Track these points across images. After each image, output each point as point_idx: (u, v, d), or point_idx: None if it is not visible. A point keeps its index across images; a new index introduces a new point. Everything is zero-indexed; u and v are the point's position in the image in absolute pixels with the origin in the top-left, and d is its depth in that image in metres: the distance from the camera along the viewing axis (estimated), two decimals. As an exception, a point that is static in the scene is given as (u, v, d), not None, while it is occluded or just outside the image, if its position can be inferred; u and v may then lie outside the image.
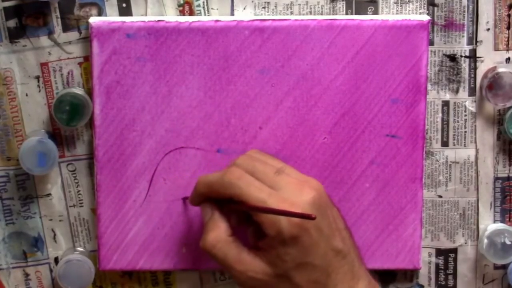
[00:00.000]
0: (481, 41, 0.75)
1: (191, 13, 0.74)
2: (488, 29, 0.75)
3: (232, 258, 0.65)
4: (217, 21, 0.72)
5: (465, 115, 0.76)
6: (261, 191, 0.64)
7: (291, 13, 0.74)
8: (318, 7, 0.74)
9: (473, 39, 0.75)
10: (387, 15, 0.74)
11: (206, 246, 0.66)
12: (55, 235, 0.76)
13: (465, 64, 0.75)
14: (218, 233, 0.66)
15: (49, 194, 0.76)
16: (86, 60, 0.74)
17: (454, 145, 0.76)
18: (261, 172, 0.66)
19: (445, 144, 0.76)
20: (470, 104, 0.76)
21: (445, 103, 0.76)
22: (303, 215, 0.61)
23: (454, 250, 0.77)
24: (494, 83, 0.74)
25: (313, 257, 0.64)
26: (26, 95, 0.74)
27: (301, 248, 0.63)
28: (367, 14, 0.74)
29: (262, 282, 0.65)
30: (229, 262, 0.66)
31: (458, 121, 0.76)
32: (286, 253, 0.64)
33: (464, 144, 0.76)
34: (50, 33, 0.73)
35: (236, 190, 0.65)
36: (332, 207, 0.67)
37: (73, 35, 0.73)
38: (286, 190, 0.64)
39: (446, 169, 0.76)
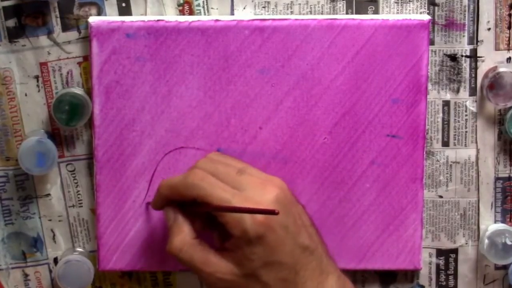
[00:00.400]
0: (482, 41, 0.75)
1: (191, 12, 0.74)
2: (489, 29, 0.75)
3: (199, 261, 0.65)
4: (217, 20, 0.72)
5: (466, 115, 0.76)
6: (224, 191, 0.64)
7: (291, 12, 0.74)
8: (318, 7, 0.74)
9: (473, 39, 0.75)
10: (388, 14, 0.74)
11: (172, 251, 0.66)
12: (54, 235, 0.76)
13: (465, 64, 0.75)
14: (183, 236, 0.66)
15: (48, 194, 0.75)
16: (86, 60, 0.73)
17: (454, 145, 0.76)
18: (223, 173, 0.66)
19: (445, 144, 0.76)
20: (470, 104, 0.76)
21: (446, 103, 0.76)
22: (266, 210, 0.62)
23: (455, 251, 0.77)
24: (495, 83, 0.74)
25: (280, 255, 0.64)
26: (25, 95, 0.74)
27: (267, 247, 0.63)
28: (367, 13, 0.74)
29: (230, 283, 0.65)
30: (196, 265, 0.66)
31: (458, 121, 0.76)
32: (252, 252, 0.64)
33: (465, 144, 0.76)
34: (49, 33, 0.73)
35: (200, 191, 0.65)
36: (296, 204, 0.67)
37: (73, 34, 0.73)
38: (249, 190, 0.64)
39: (447, 169, 0.76)
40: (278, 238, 0.63)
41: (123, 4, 0.73)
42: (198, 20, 0.72)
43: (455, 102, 0.76)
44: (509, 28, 0.75)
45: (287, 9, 0.74)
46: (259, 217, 0.63)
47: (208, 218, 0.67)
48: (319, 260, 0.66)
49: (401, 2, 0.74)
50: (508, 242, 0.75)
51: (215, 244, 0.67)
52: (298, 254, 0.64)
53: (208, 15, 0.74)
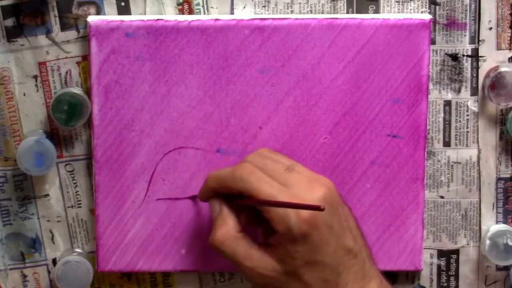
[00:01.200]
0: (483, 40, 0.75)
1: (191, 12, 0.74)
2: (491, 28, 0.75)
3: (241, 255, 0.65)
4: (216, 20, 0.72)
5: (467, 115, 0.76)
6: (272, 187, 0.64)
7: (292, 12, 0.74)
8: (319, 6, 0.74)
9: (475, 38, 0.75)
10: (389, 14, 0.74)
11: (214, 243, 0.66)
12: (53, 236, 0.76)
13: (467, 64, 0.75)
14: (227, 229, 0.66)
15: (47, 195, 0.75)
16: (85, 60, 0.73)
17: (456, 145, 0.76)
18: (272, 169, 0.66)
19: (447, 144, 0.76)
20: (472, 104, 0.76)
21: (447, 103, 0.75)
22: (312, 206, 0.61)
23: (456, 251, 0.77)
24: (496, 82, 0.73)
25: (323, 255, 0.63)
26: (24, 94, 0.74)
27: (311, 245, 0.63)
28: (368, 13, 0.74)
29: (271, 279, 0.65)
30: (238, 259, 0.65)
31: (460, 121, 0.76)
32: (295, 250, 0.63)
33: (466, 144, 0.76)
34: (48, 32, 0.73)
35: (247, 185, 0.64)
36: (343, 205, 0.66)
37: (71, 34, 0.73)
38: (297, 188, 0.64)
39: (448, 169, 0.76)
40: (322, 238, 0.63)
41: (122, 3, 0.73)
42: (198, 20, 0.72)
43: (457, 102, 0.75)
44: (510, 27, 0.75)
45: (287, 9, 0.74)
46: (305, 215, 0.62)
47: (254, 212, 0.67)
48: (362, 264, 0.65)
49: (402, 2, 0.74)
50: (510, 243, 0.75)
51: (258, 239, 0.67)
52: (341, 255, 0.64)
53: (207, 14, 0.74)
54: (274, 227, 0.64)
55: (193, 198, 0.74)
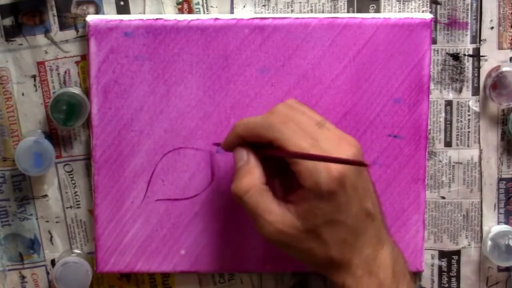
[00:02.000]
0: (485, 40, 0.74)
1: (190, 11, 0.73)
2: (492, 28, 0.74)
3: (262, 207, 0.64)
4: (216, 19, 0.72)
5: (469, 115, 0.75)
6: (303, 139, 0.63)
7: (292, 11, 0.74)
8: (319, 5, 0.74)
9: (476, 38, 0.75)
10: (389, 13, 0.74)
11: (238, 191, 0.65)
12: (51, 237, 0.76)
13: (468, 63, 0.75)
14: (253, 179, 0.65)
15: (45, 195, 0.75)
16: (84, 59, 0.73)
17: (457, 145, 0.76)
18: (303, 122, 0.65)
19: (448, 144, 0.76)
20: (473, 104, 0.75)
21: (448, 103, 0.75)
22: (355, 162, 0.60)
23: (458, 252, 0.77)
24: (498, 82, 0.73)
25: (345, 216, 0.63)
26: (22, 94, 0.74)
27: (335, 204, 0.63)
28: (369, 12, 0.74)
29: (289, 236, 0.64)
30: (259, 211, 0.64)
31: (461, 121, 0.76)
32: (319, 207, 0.63)
33: (468, 145, 0.76)
34: (46, 32, 0.73)
35: (279, 134, 0.63)
36: (365, 168, 0.66)
37: (70, 33, 0.73)
38: (327, 144, 0.63)
39: (449, 169, 0.76)
40: (347, 198, 0.63)
41: (121, 3, 0.73)
42: (197, 19, 0.72)
43: (458, 102, 0.75)
44: (512, 27, 0.75)
45: (288, 8, 0.74)
46: (334, 172, 0.61)
47: (277, 166, 0.66)
48: (378, 228, 0.65)
49: (403, 1, 0.74)
50: (511, 244, 0.75)
51: (277, 193, 0.66)
52: (361, 218, 0.64)
53: (207, 13, 0.74)
54: (302, 181, 0.63)
55: (217, 145, 0.72)
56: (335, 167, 0.62)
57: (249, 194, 0.64)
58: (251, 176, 0.65)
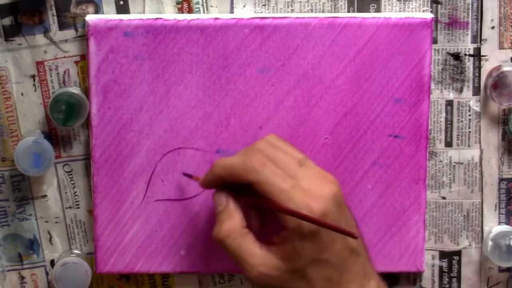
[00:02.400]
0: (486, 39, 0.74)
1: (190, 10, 0.73)
2: (493, 27, 0.74)
3: (245, 251, 0.64)
4: (216, 19, 0.72)
5: (469, 115, 0.75)
6: (284, 181, 0.63)
7: (292, 10, 0.74)
8: (320, 5, 0.74)
9: (477, 37, 0.74)
10: (390, 13, 0.74)
11: (219, 237, 0.65)
12: (51, 237, 0.76)
13: (469, 63, 0.75)
14: (233, 223, 0.65)
15: (45, 196, 0.75)
16: (83, 59, 0.73)
17: (458, 145, 0.76)
18: (284, 161, 0.65)
19: (448, 144, 0.76)
20: (474, 104, 0.75)
21: (449, 103, 0.75)
22: (347, 232, 0.61)
23: (458, 253, 0.77)
24: (499, 82, 0.73)
25: (329, 254, 0.63)
26: (22, 94, 0.74)
27: (318, 244, 0.63)
28: (369, 12, 0.74)
29: (274, 278, 0.64)
30: (241, 255, 0.64)
31: (462, 121, 0.75)
32: (303, 247, 0.63)
33: (468, 145, 0.76)
34: (46, 31, 0.73)
35: (259, 176, 0.63)
36: (345, 204, 0.66)
37: (70, 33, 0.73)
38: (308, 182, 0.63)
39: (450, 170, 0.76)
40: (330, 237, 0.63)
41: (121, 2, 0.73)
42: (197, 19, 0.72)
43: (459, 102, 0.75)
44: (513, 26, 0.75)
45: (288, 7, 0.74)
46: (316, 211, 0.61)
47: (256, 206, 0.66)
48: (363, 263, 0.65)
49: (404, 0, 0.74)
50: (512, 244, 0.75)
51: (253, 227, 0.66)
52: (346, 255, 0.64)
53: (207, 13, 0.73)
54: (284, 223, 0.63)
55: (188, 176, 0.72)
56: (317, 206, 0.62)
57: (230, 239, 0.65)
58: (232, 221, 0.65)
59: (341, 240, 0.63)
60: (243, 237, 0.65)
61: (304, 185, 0.63)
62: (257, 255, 0.64)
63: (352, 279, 0.64)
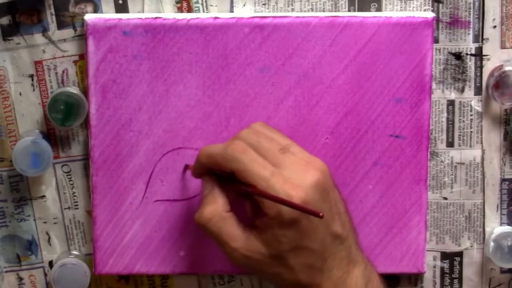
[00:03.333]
0: (488, 39, 0.74)
1: (189, 10, 0.73)
2: (495, 27, 0.74)
3: (226, 234, 0.65)
4: (216, 18, 0.72)
5: (471, 115, 0.75)
6: (264, 168, 0.63)
7: (292, 10, 0.74)
8: (320, 4, 0.74)
9: (479, 37, 0.74)
10: (391, 12, 0.74)
11: (201, 220, 0.66)
12: (49, 238, 0.75)
13: (471, 63, 0.74)
14: (215, 207, 0.66)
15: (43, 196, 0.75)
16: (82, 58, 0.73)
17: (459, 145, 0.75)
18: (266, 148, 0.65)
19: (450, 144, 0.75)
20: (476, 104, 0.75)
21: (450, 103, 0.75)
22: (311, 211, 0.60)
23: (460, 254, 0.77)
24: (500, 82, 0.73)
25: (310, 241, 0.63)
26: (20, 94, 0.73)
27: (299, 231, 0.63)
28: (370, 11, 0.74)
29: (255, 261, 0.65)
30: (223, 238, 0.65)
31: (463, 121, 0.75)
32: (283, 234, 0.63)
33: (470, 145, 0.75)
34: (44, 31, 0.73)
35: (239, 164, 0.64)
36: (334, 189, 0.66)
37: (68, 32, 0.73)
38: (290, 170, 0.63)
39: (451, 170, 0.76)
40: (312, 224, 0.63)
41: (120, 1, 0.73)
42: (197, 18, 0.72)
43: (460, 102, 0.75)
44: (515, 25, 0.75)
45: (288, 6, 0.74)
46: (296, 200, 0.62)
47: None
48: (348, 250, 0.65)
49: (405, -1, 0.74)
50: (514, 245, 0.75)
51: (247, 214, 0.66)
52: (328, 241, 0.64)
53: (207, 12, 0.73)
54: (264, 210, 0.63)
55: (186, 168, 0.73)
56: (297, 194, 0.62)
57: (211, 222, 0.65)
58: (214, 205, 0.66)
59: (324, 227, 0.63)
60: (225, 220, 0.65)
61: (286, 173, 0.63)
62: (239, 238, 0.65)
63: (336, 266, 0.64)
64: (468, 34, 0.74)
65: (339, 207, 0.66)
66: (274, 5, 0.73)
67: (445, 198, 0.76)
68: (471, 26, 0.74)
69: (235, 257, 0.65)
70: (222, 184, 0.67)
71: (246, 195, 0.67)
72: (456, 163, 0.76)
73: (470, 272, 0.77)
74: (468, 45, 0.74)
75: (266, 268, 0.65)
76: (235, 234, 0.65)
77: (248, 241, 0.64)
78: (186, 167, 0.73)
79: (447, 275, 0.77)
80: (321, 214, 0.60)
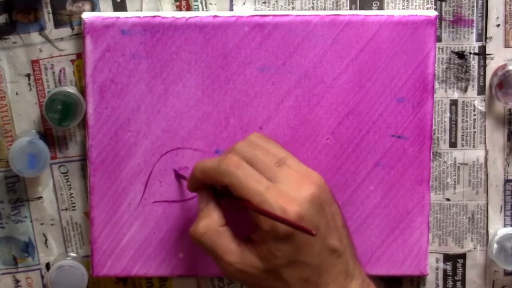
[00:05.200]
0: (491, 38, 0.74)
1: (188, 8, 0.73)
2: (498, 25, 0.74)
3: (221, 248, 0.65)
4: (215, 16, 0.72)
5: (474, 115, 0.75)
6: (258, 183, 0.63)
7: (293, 8, 0.74)
8: (321, 2, 0.74)
9: (482, 36, 0.74)
10: (393, 10, 0.73)
11: (195, 234, 0.66)
12: (46, 239, 0.75)
13: (474, 62, 0.74)
14: (210, 221, 0.66)
15: (40, 197, 0.75)
16: (79, 58, 0.73)
17: (462, 146, 0.75)
18: (261, 161, 0.65)
19: (453, 145, 0.75)
20: (479, 103, 0.75)
21: (453, 102, 0.75)
22: (303, 228, 0.60)
23: (463, 256, 0.77)
24: (504, 81, 0.73)
25: (306, 256, 0.63)
26: (16, 94, 0.73)
27: (294, 246, 0.63)
28: (372, 9, 0.74)
29: (250, 275, 0.64)
30: (217, 252, 0.65)
31: (466, 121, 0.75)
32: (278, 249, 0.63)
33: (473, 145, 0.75)
34: (41, 29, 0.72)
35: (233, 179, 0.63)
36: (332, 203, 0.66)
37: (65, 31, 0.73)
38: (286, 184, 0.63)
39: (454, 171, 0.76)
40: (307, 239, 0.63)
41: (118, 0, 0.72)
42: (196, 16, 0.71)
43: (463, 101, 0.75)
44: (519, 24, 0.75)
45: (288, 5, 0.73)
46: (291, 214, 0.61)
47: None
48: (345, 264, 0.65)
49: (407, -2, 0.74)
50: (518, 247, 0.75)
51: (242, 228, 0.66)
52: (325, 256, 0.64)
53: (206, 11, 0.73)
54: (259, 224, 0.63)
55: (180, 177, 0.72)
56: (292, 209, 0.62)
57: (206, 237, 0.65)
58: (209, 219, 0.66)
59: (320, 241, 0.63)
60: (219, 234, 0.65)
61: (282, 186, 0.63)
62: (234, 253, 0.65)
63: (332, 280, 0.64)
64: (472, 32, 0.74)
65: (336, 220, 0.65)
66: (274, 4, 0.73)
67: (448, 199, 0.76)
68: (475, 24, 0.74)
69: (230, 272, 0.65)
70: (217, 198, 0.67)
71: (241, 209, 0.66)
72: (459, 163, 0.75)
73: (473, 274, 0.77)
74: (471, 44, 0.74)
75: (260, 282, 0.64)
76: (229, 248, 0.65)
77: (243, 255, 0.64)
78: (177, 174, 0.72)
79: (450, 277, 0.77)
80: (313, 233, 0.60)
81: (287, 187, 0.63)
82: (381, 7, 0.73)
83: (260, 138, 0.68)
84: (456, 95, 0.75)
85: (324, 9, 0.73)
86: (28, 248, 0.75)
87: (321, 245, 0.63)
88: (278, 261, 0.63)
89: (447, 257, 0.76)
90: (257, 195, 0.62)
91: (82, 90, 0.72)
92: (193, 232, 0.66)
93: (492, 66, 0.74)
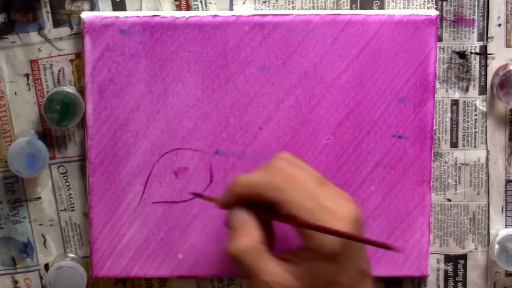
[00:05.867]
0: (492, 37, 0.74)
1: (188, 7, 0.73)
2: (500, 25, 0.74)
3: (259, 268, 0.63)
4: (215, 16, 0.71)
5: (475, 115, 0.75)
6: (308, 200, 0.62)
7: (293, 7, 0.73)
8: (321, 2, 0.73)
9: (483, 35, 0.74)
10: (394, 10, 0.73)
11: (234, 252, 0.63)
12: (45, 240, 0.75)
13: (475, 61, 0.74)
14: (252, 239, 0.63)
15: (39, 198, 0.75)
16: (78, 57, 0.73)
17: (463, 146, 0.75)
18: (304, 180, 0.64)
19: (454, 145, 0.75)
20: (480, 103, 0.75)
21: (454, 102, 0.75)
22: (386, 245, 0.60)
23: (464, 256, 0.76)
24: (505, 81, 0.73)
25: (342, 277, 0.62)
26: (15, 93, 0.73)
27: (336, 265, 0.62)
28: (372, 9, 0.74)
29: None
30: (255, 271, 0.63)
31: (468, 121, 0.75)
32: (320, 268, 0.62)
33: (474, 145, 0.75)
34: (40, 29, 0.72)
35: (284, 196, 0.62)
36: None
37: (64, 30, 0.72)
38: (331, 203, 0.62)
39: (456, 171, 0.75)
40: (348, 259, 0.62)
41: (117, -1, 0.73)
42: (196, 16, 0.71)
43: (464, 101, 0.75)
44: (520, 24, 0.75)
45: (289, 4, 0.73)
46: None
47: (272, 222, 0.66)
48: (369, 283, 0.65)
49: (408, -3, 0.74)
50: (519, 248, 0.75)
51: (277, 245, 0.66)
52: (357, 278, 0.63)
53: (206, 10, 0.73)
54: (306, 241, 0.62)
55: (198, 196, 0.70)
56: (341, 227, 0.61)
57: (246, 255, 0.63)
58: (249, 237, 0.64)
59: (355, 262, 0.63)
60: (259, 253, 0.63)
61: (326, 204, 0.62)
62: (271, 272, 0.63)
63: None
64: (473, 32, 0.74)
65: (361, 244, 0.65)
66: (274, 3, 0.73)
67: (449, 200, 0.76)
68: (476, 24, 0.74)
69: None
70: (257, 218, 0.65)
71: (290, 225, 0.64)
72: (460, 164, 0.75)
73: (474, 275, 0.77)
74: (472, 43, 0.74)
75: None
76: (268, 268, 0.63)
77: (281, 275, 0.63)
78: (197, 195, 0.70)
79: (451, 278, 0.77)
80: (395, 248, 0.59)
81: (333, 205, 0.62)
82: (381, 7, 0.73)
83: (293, 157, 0.66)
84: (457, 95, 0.74)
85: (325, 9, 0.73)
86: (26, 249, 0.75)
87: (355, 266, 0.63)
88: (317, 281, 0.62)
89: (448, 258, 0.76)
90: (308, 212, 0.61)
91: (81, 90, 0.72)
92: (232, 249, 0.63)
93: (493, 66, 0.74)
